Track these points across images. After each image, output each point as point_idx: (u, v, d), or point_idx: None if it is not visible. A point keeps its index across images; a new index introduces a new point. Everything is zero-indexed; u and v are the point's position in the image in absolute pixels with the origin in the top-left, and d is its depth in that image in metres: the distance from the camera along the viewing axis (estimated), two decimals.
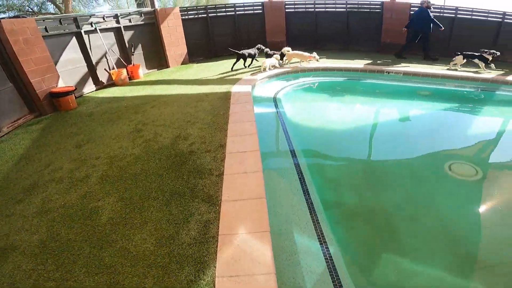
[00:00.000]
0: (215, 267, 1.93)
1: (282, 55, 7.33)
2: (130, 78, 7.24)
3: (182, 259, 2.04)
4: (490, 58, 6.59)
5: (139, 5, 9.19)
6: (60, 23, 5.84)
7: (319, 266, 2.14)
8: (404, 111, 5.55)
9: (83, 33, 6.24)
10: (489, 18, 8.43)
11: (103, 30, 6.76)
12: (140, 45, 7.80)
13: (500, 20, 8.25)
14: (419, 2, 7.76)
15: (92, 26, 6.42)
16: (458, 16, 8.71)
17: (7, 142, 4.14)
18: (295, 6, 9.42)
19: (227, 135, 3.64)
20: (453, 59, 7.01)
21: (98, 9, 18.47)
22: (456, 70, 6.81)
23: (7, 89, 4.76)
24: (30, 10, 16.22)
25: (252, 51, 7.51)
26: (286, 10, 9.40)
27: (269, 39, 9.76)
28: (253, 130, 3.63)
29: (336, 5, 9.29)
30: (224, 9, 9.34)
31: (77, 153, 3.66)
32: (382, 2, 8.91)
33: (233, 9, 9.33)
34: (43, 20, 5.50)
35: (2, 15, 15.23)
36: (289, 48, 7.47)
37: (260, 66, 6.78)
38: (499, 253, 2.38)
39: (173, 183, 2.92)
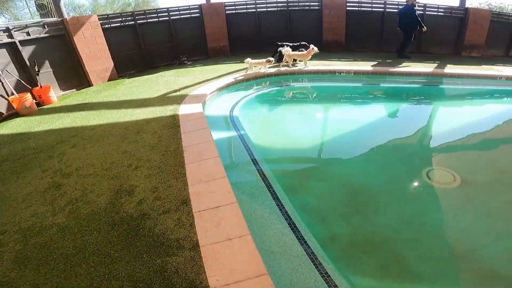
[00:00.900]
0: None
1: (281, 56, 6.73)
2: (39, 104, 5.65)
3: None
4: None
5: (43, 15, 7.43)
6: None
7: None
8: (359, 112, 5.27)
9: None
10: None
11: None
12: (47, 62, 6.19)
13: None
14: (405, 0, 7.69)
15: None
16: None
17: None
18: (236, 7, 8.73)
19: (188, 183, 2.70)
20: None
21: None
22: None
23: None
24: None
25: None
26: (227, 12, 8.66)
27: (210, 44, 8.90)
28: (220, 171, 2.76)
29: (278, 4, 8.89)
30: (155, 14, 8.15)
31: None
32: (321, 0, 8.82)
33: (166, 13, 8.21)
34: None
35: None
36: (289, 49, 6.75)
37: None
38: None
39: (130, 266, 1.94)
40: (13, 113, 5.34)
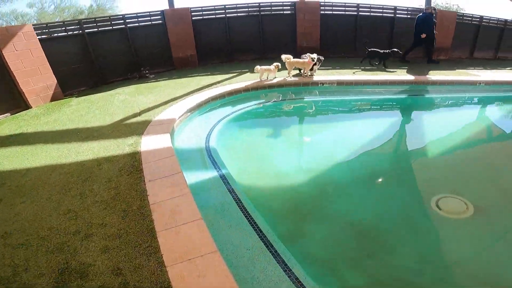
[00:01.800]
0: None
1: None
2: None
3: None
4: None
5: None
6: None
7: None
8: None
9: None
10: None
11: None
12: None
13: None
14: (424, 8, 7.99)
15: None
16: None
17: None
18: (203, 13, 7.92)
19: (165, 262, 1.87)
20: None
21: None
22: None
23: None
24: None
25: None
26: (193, 18, 7.81)
27: (176, 54, 7.99)
28: (208, 242, 1.97)
29: (249, 9, 8.23)
30: (109, 22, 7.07)
31: None
32: (294, 3, 8.35)
33: (122, 21, 7.16)
34: None
35: None
36: (290, 56, 6.01)
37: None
38: None
39: None
40: None
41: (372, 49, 7.60)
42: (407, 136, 4.60)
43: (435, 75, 6.63)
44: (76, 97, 6.19)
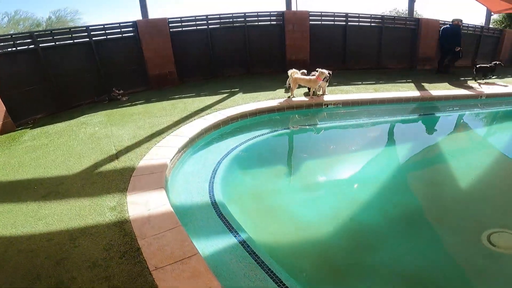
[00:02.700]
0: None
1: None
2: None
3: None
4: None
5: None
6: None
7: None
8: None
9: None
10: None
11: None
12: None
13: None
14: (451, 21, 8.24)
15: None
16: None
17: None
18: (183, 24, 7.12)
19: None
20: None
21: None
22: None
23: None
24: None
25: None
26: (171, 30, 6.98)
27: (152, 71, 7.08)
28: None
29: (234, 20, 7.56)
30: (69, 35, 6.05)
31: None
32: (283, 13, 7.82)
33: (86, 33, 6.16)
34: None
35: None
36: (296, 71, 5.34)
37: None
38: None
39: None
40: None
41: (481, 65, 7.41)
42: (446, 165, 4.06)
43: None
44: (31, 128, 5.08)
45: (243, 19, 7.61)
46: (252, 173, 3.79)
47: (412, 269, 2.34)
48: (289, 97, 5.50)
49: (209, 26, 7.42)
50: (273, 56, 8.13)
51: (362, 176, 3.77)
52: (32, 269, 2.02)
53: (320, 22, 8.28)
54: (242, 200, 3.23)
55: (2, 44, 5.22)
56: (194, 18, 7.23)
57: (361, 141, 4.84)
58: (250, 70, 8.03)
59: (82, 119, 5.20)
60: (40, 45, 5.62)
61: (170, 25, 6.99)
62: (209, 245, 2.39)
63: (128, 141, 3.94)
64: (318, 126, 5.18)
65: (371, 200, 3.24)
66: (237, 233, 2.51)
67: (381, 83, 6.96)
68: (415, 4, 10.18)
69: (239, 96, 5.79)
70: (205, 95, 5.96)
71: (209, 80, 7.58)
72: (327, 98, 5.51)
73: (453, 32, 8.00)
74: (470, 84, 6.97)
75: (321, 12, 8.15)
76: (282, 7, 8.05)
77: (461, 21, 8.13)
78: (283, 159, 4.22)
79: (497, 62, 7.41)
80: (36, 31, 6.01)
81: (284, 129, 4.91)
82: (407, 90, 6.21)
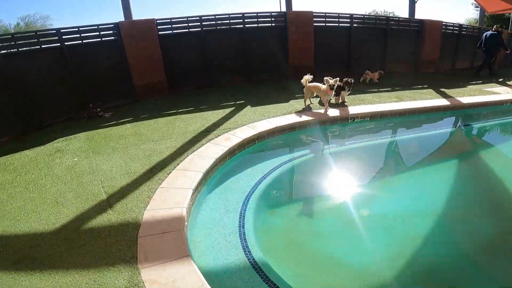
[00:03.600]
0: None
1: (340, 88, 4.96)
2: None
3: None
4: None
5: None
6: None
7: None
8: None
9: None
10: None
11: None
12: None
13: None
14: (493, 28, 8.71)
15: None
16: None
17: None
18: (173, 26, 6.29)
19: None
20: None
21: None
22: None
23: None
24: None
25: None
26: (160, 33, 6.13)
27: (139, 81, 6.21)
28: None
29: (231, 21, 6.83)
30: (35, 40, 5.11)
31: None
32: (285, 13, 7.19)
33: (57, 37, 5.23)
34: None
35: None
36: (310, 77, 4.77)
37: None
38: None
39: None
40: None
41: None
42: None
43: None
44: None
45: (241, 20, 6.88)
46: (287, 213, 3.05)
47: None
48: (307, 106, 4.87)
49: (204, 28, 6.63)
50: (274, 61, 7.46)
51: (423, 203, 3.17)
52: None
53: (324, 24, 7.72)
54: (287, 251, 2.51)
55: None
56: (186, 19, 6.42)
57: (410, 160, 4.24)
58: (250, 78, 7.32)
59: (56, 144, 4.26)
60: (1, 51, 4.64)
61: (158, 27, 6.15)
62: None
63: (120, 179, 3.09)
64: (351, 145, 4.49)
65: (440, 231, 2.70)
66: None
67: (398, 90, 6.47)
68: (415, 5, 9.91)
69: (248, 110, 5.05)
70: (206, 110, 5.16)
71: (204, 90, 6.78)
72: (353, 110, 4.88)
73: (492, 37, 8.51)
74: None
75: (325, 13, 7.59)
76: (277, 9, 7.43)
77: (501, 26, 9.11)
78: (322, 189, 3.49)
79: None
80: None
81: (315, 150, 4.22)
82: (435, 98, 5.74)
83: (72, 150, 3.97)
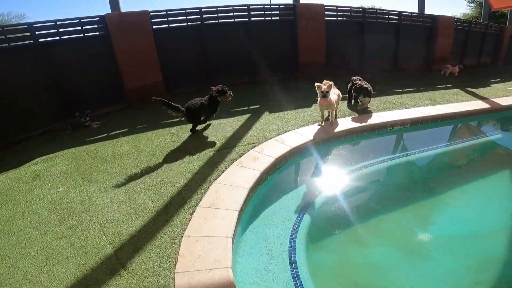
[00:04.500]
0: None
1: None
2: None
3: None
4: None
5: None
6: None
7: None
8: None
9: None
10: None
11: None
12: None
13: None
14: None
15: None
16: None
17: None
18: (169, 19, 5.55)
19: None
20: None
21: None
22: None
23: None
24: None
25: None
26: (154, 27, 5.38)
27: (130, 84, 5.48)
28: None
29: (234, 13, 6.14)
30: (2, 37, 4.28)
31: None
32: (295, 5, 6.59)
33: (29, 33, 4.42)
34: None
35: None
36: (331, 83, 3.73)
37: None
38: None
39: None
40: None
41: None
42: None
43: None
44: None
45: (246, 12, 6.21)
46: (341, 249, 2.44)
47: None
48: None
49: (204, 22, 5.91)
50: (283, 59, 6.85)
51: (494, 220, 2.65)
52: None
53: (335, 18, 7.17)
54: None
55: None
56: (184, 11, 5.67)
57: (468, 172, 3.69)
58: (257, 78, 6.66)
59: (33, 167, 3.47)
60: None
61: (152, 20, 5.38)
62: None
63: (127, 221, 2.37)
64: (399, 158, 3.85)
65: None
66: None
67: (424, 90, 6.01)
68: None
69: (267, 117, 4.39)
70: (216, 117, 4.47)
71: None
72: (388, 117, 4.31)
73: None
74: None
75: (337, 7, 7.05)
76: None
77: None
78: (374, 220, 2.89)
79: None
80: None
81: (357, 167, 3.61)
82: (469, 100, 5.31)
83: (55, 176, 3.21)
